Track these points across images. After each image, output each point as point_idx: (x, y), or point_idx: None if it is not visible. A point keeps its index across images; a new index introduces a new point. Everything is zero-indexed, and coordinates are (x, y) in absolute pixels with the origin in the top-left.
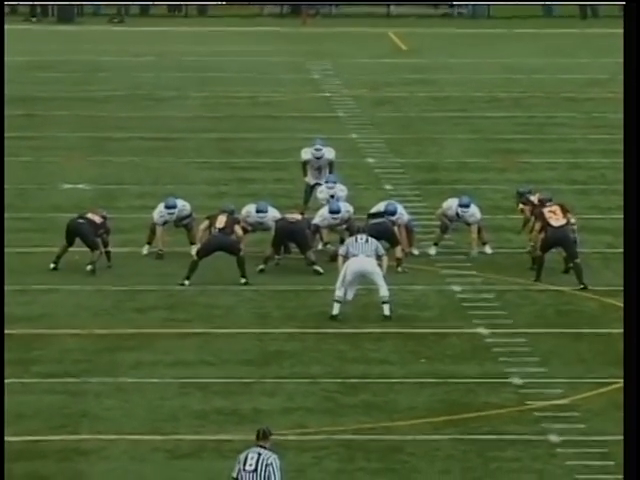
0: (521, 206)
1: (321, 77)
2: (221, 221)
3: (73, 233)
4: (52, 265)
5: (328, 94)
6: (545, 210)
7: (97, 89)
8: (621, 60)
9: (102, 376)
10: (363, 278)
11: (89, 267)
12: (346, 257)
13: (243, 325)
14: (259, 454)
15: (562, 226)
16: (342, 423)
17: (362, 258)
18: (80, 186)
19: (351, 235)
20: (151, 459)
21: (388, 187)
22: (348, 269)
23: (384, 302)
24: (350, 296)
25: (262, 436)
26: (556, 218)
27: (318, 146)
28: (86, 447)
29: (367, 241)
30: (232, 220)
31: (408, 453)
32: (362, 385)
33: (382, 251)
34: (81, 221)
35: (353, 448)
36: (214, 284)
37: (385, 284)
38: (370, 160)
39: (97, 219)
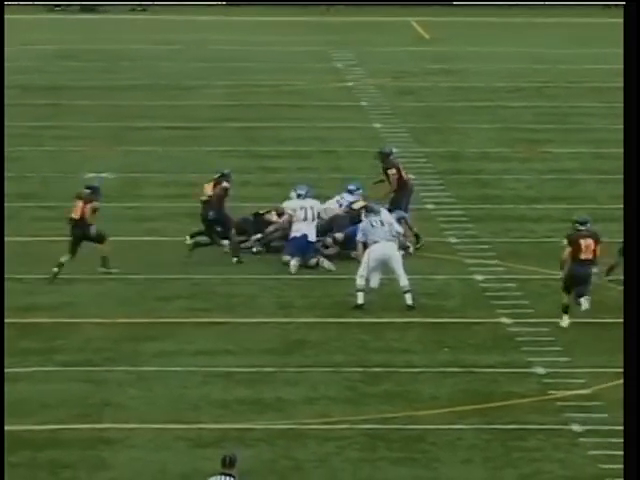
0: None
1: (344, 66)
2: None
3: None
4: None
5: (351, 83)
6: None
7: (121, 78)
8: None
9: (125, 365)
10: (385, 264)
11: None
12: (365, 243)
13: (266, 314)
14: None
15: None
16: (365, 412)
17: (383, 244)
18: (104, 175)
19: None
20: (174, 448)
21: (411, 176)
22: (370, 256)
23: (405, 292)
24: (375, 283)
25: (228, 463)
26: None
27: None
28: (109, 436)
29: (382, 224)
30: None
31: (430, 442)
32: (385, 374)
33: (397, 229)
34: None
35: (375, 437)
36: (236, 274)
37: (404, 272)
38: (393, 149)
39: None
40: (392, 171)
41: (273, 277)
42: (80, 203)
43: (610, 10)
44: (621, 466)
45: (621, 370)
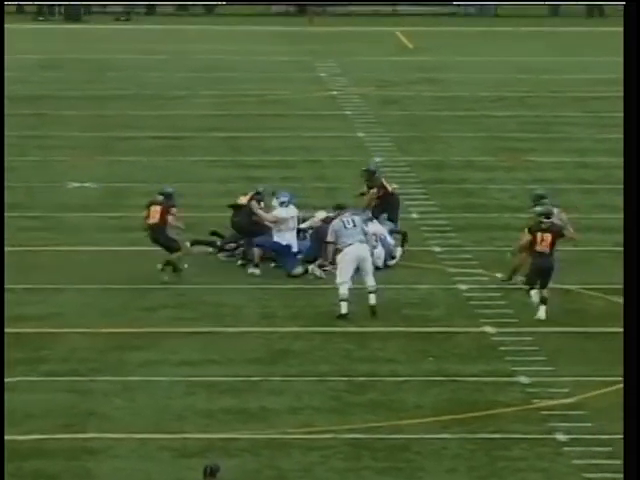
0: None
1: (328, 76)
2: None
3: None
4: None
5: (335, 92)
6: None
7: (105, 88)
8: None
9: (110, 375)
10: (357, 265)
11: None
12: (335, 243)
13: (250, 324)
14: None
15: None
16: (349, 422)
17: (357, 246)
18: (88, 185)
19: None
20: (158, 458)
21: (395, 186)
22: (345, 259)
23: (371, 292)
24: (350, 284)
25: (209, 474)
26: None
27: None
28: (93, 446)
29: (355, 225)
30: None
31: (415, 452)
32: (369, 384)
33: (367, 229)
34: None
35: (360, 447)
36: (220, 284)
37: (372, 274)
38: (377, 159)
39: None
40: (373, 190)
41: (257, 287)
42: (157, 208)
43: (593, 19)
44: (605, 475)
45: (605, 379)
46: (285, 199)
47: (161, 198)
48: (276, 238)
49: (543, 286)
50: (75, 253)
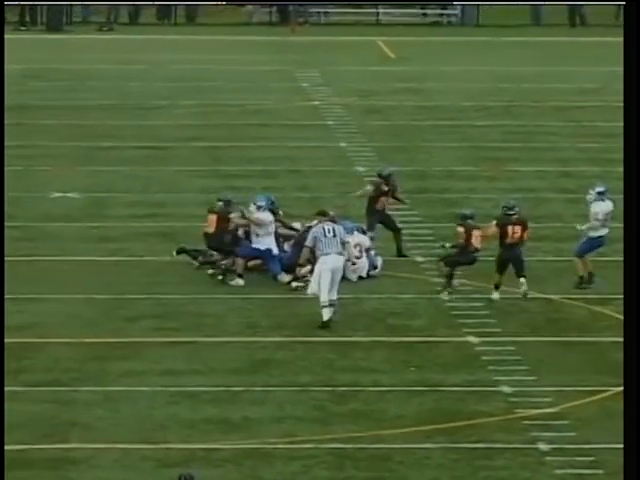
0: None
1: (310, 85)
2: None
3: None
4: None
5: (317, 102)
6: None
7: (87, 97)
8: (610, 68)
9: (92, 385)
10: (332, 276)
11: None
12: (312, 249)
13: (232, 334)
14: None
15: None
16: (331, 432)
17: (334, 257)
18: (70, 195)
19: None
20: (140, 468)
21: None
22: (322, 268)
23: (331, 305)
24: (333, 295)
25: None
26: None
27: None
28: (75, 456)
29: (334, 234)
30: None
31: (397, 462)
32: (351, 394)
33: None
34: None
35: (342, 457)
36: (202, 293)
37: (338, 287)
38: (359, 168)
39: None
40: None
41: (239, 296)
42: (214, 217)
43: (576, 29)
44: None
45: (587, 389)
46: (262, 203)
47: (220, 204)
48: (255, 245)
49: (520, 274)
50: (57, 263)
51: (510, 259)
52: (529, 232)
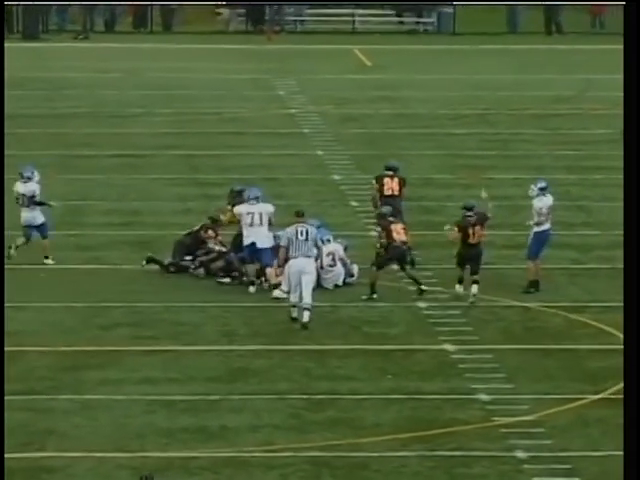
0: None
1: (286, 94)
2: None
3: None
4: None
5: (293, 110)
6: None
7: (63, 106)
8: (586, 76)
9: (68, 393)
10: (300, 279)
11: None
12: (287, 249)
13: (209, 342)
14: None
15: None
16: (309, 440)
17: (301, 259)
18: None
19: None
20: (117, 477)
21: (354, 204)
22: (290, 271)
23: (305, 308)
24: (309, 299)
25: None
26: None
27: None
28: (52, 465)
29: (307, 238)
30: None
31: (374, 470)
32: (328, 402)
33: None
34: None
35: (319, 465)
36: (179, 301)
37: (311, 291)
38: (336, 177)
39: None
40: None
41: (216, 304)
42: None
43: (552, 37)
44: None
45: (564, 396)
46: (252, 195)
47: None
48: (244, 242)
49: (475, 272)
50: (34, 271)
51: (471, 257)
52: (485, 231)
